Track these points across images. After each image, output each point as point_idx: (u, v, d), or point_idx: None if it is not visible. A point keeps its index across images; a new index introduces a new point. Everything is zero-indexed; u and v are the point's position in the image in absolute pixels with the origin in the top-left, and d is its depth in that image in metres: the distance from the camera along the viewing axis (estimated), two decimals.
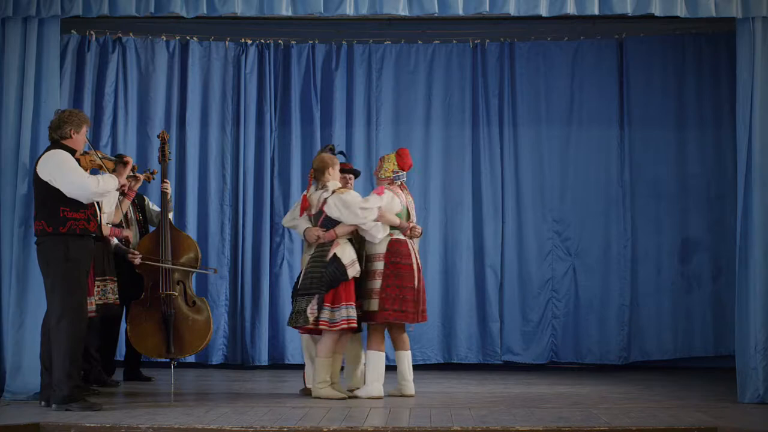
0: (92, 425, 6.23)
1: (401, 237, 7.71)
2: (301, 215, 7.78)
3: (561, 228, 10.33)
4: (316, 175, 7.70)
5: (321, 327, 7.44)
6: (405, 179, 7.90)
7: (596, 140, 10.32)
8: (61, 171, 6.87)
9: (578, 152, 10.36)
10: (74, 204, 6.89)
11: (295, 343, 10.12)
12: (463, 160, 10.38)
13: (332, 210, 7.54)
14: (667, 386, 8.56)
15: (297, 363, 10.06)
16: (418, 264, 7.74)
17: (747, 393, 7.38)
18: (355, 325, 7.47)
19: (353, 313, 7.45)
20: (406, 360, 7.75)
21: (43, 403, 7.01)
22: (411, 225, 7.78)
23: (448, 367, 10.07)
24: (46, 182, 6.89)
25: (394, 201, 7.72)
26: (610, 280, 10.22)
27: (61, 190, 6.86)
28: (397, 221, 7.69)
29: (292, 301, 7.73)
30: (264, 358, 10.10)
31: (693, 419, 6.50)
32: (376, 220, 7.60)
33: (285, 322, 10.07)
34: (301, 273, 7.78)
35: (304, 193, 7.82)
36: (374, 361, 7.62)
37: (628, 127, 10.28)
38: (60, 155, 6.93)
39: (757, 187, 7.47)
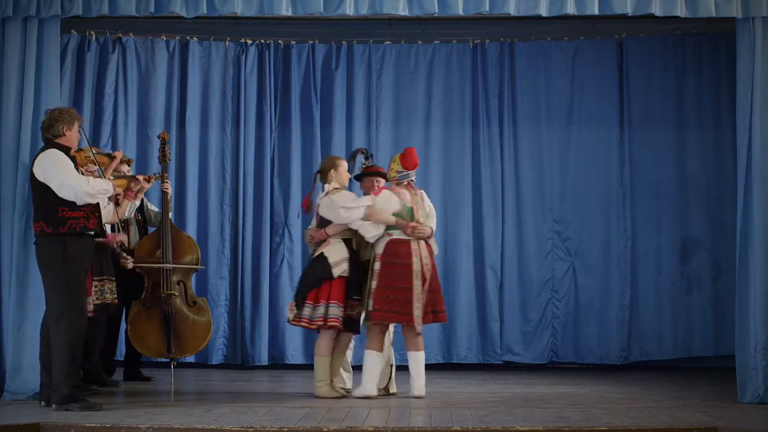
0: (92, 425, 6.23)
1: (403, 237, 7.66)
2: (302, 216, 7.88)
3: (561, 228, 10.33)
4: (321, 176, 7.84)
5: (301, 324, 7.62)
6: (413, 179, 7.86)
7: (596, 140, 10.32)
8: (53, 172, 6.85)
9: (578, 152, 10.36)
10: (72, 203, 6.87)
11: (296, 343, 10.13)
12: (463, 160, 10.37)
13: (323, 210, 7.71)
14: (667, 386, 8.56)
15: (297, 363, 10.08)
16: (422, 264, 7.65)
17: (747, 393, 7.38)
18: (336, 324, 7.53)
19: (335, 311, 7.53)
20: (413, 360, 7.71)
21: (43, 403, 7.01)
22: (411, 224, 7.68)
23: (448, 367, 10.07)
24: (43, 183, 6.88)
25: (391, 200, 7.70)
26: (610, 280, 10.22)
27: (54, 190, 6.85)
28: (392, 220, 7.64)
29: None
30: (264, 358, 10.10)
31: (693, 419, 6.50)
32: (368, 219, 7.63)
33: (285, 322, 10.07)
34: None
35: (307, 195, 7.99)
36: (370, 361, 7.65)
37: (628, 127, 10.28)
38: (53, 155, 6.91)
39: (757, 187, 7.47)
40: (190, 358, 9.52)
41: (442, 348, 10.17)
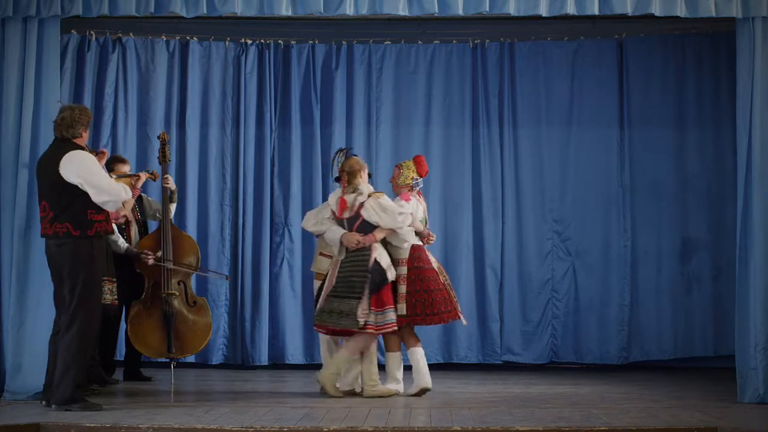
0: (92, 425, 6.23)
1: (419, 243, 7.91)
2: (340, 216, 7.76)
3: (561, 228, 10.33)
4: (348, 178, 7.79)
5: (368, 331, 7.59)
6: (422, 186, 8.13)
7: (596, 140, 10.31)
8: (92, 176, 6.84)
9: (578, 152, 10.35)
10: (98, 206, 6.87)
11: (296, 343, 10.12)
12: (463, 160, 10.37)
13: (370, 214, 7.67)
14: (667, 386, 8.56)
15: (297, 363, 10.07)
16: (438, 266, 7.97)
17: (747, 393, 7.39)
18: (397, 327, 7.68)
19: (394, 316, 7.66)
20: (419, 355, 7.88)
21: (43, 402, 7.01)
22: (428, 232, 7.98)
23: (448, 367, 10.07)
24: (71, 184, 6.83)
25: (418, 208, 7.94)
26: (610, 280, 10.21)
27: (90, 194, 6.82)
28: (421, 227, 7.91)
29: (322, 302, 7.75)
30: (264, 358, 10.09)
31: (693, 419, 6.51)
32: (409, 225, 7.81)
33: (285, 322, 10.13)
34: (326, 277, 7.84)
35: (340, 196, 7.81)
36: (398, 361, 7.90)
37: (628, 127, 10.27)
38: (83, 157, 6.90)
39: (757, 187, 7.47)
40: (190, 358, 9.51)
41: (442, 348, 10.17)
